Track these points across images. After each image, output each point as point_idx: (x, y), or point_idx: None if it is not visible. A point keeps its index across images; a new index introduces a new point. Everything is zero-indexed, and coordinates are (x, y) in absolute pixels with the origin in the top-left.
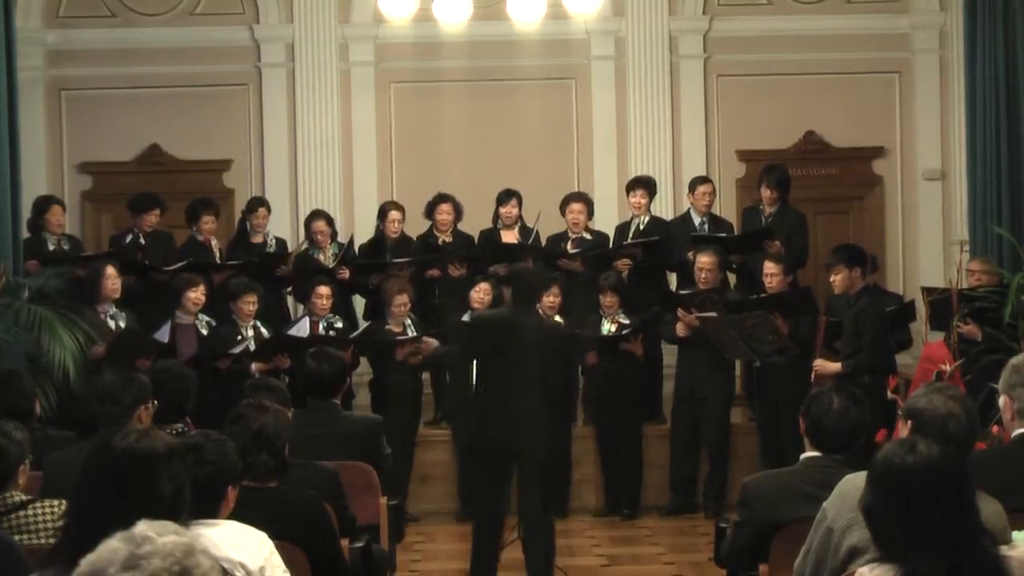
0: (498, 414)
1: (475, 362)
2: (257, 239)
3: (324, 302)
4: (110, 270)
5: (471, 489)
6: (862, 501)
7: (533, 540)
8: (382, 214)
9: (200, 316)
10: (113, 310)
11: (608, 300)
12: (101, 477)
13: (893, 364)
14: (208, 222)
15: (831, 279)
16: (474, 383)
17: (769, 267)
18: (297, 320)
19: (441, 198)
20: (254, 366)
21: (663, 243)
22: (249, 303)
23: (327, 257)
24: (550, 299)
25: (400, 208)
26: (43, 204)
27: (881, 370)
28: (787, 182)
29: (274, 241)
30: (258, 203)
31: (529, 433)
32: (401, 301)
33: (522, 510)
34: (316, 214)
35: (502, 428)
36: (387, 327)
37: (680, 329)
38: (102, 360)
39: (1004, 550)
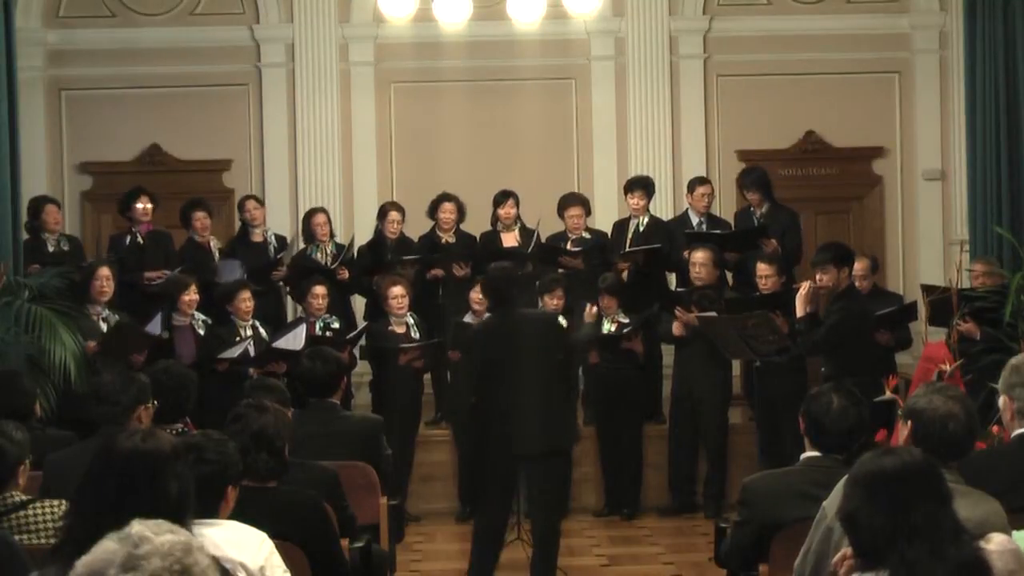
0: (507, 420)
1: (480, 371)
2: (257, 237)
3: (320, 302)
4: (103, 271)
5: (478, 491)
6: (841, 511)
7: (543, 543)
8: (382, 214)
9: (196, 316)
10: (105, 312)
11: (606, 302)
12: (107, 477)
13: (893, 364)
14: (200, 218)
15: (818, 278)
16: (477, 391)
17: (762, 268)
18: (293, 324)
19: (444, 197)
20: (250, 371)
21: (663, 250)
22: (244, 300)
23: (326, 255)
24: (554, 301)
25: (400, 209)
26: (37, 205)
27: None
28: (766, 182)
29: (274, 238)
30: (245, 199)
31: (538, 436)
32: (396, 293)
33: (532, 514)
34: (315, 210)
35: (512, 433)
36: (389, 328)
37: (676, 328)
38: (96, 355)
39: (980, 543)
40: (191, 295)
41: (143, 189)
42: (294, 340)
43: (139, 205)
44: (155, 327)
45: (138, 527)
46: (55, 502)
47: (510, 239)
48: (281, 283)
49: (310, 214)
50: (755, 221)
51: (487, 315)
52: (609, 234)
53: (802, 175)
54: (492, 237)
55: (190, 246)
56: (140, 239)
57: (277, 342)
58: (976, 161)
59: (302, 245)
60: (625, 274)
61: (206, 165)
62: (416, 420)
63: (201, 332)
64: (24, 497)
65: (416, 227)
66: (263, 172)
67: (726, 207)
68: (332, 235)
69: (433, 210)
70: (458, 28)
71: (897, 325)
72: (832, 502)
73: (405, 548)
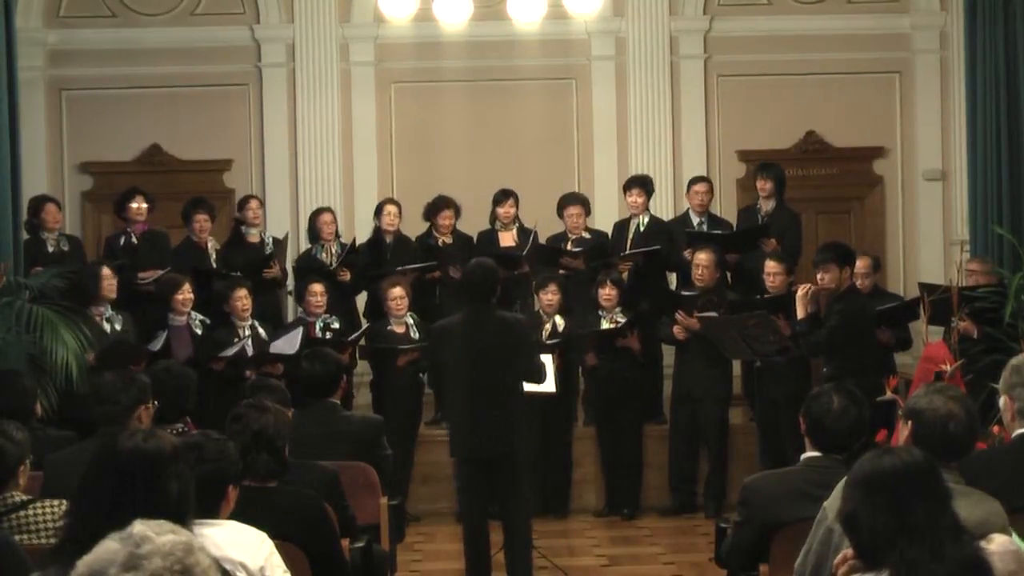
0: (470, 420)
1: (443, 371)
2: (253, 239)
3: (319, 299)
4: (106, 271)
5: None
6: (841, 512)
7: (508, 544)
8: (378, 211)
9: (193, 315)
10: (109, 312)
11: (607, 292)
12: (107, 477)
13: (893, 365)
14: (200, 220)
15: (819, 278)
16: (443, 392)
17: (771, 266)
18: (291, 326)
19: (443, 203)
20: (246, 373)
21: (663, 250)
22: (241, 298)
23: (331, 255)
24: (548, 297)
25: (396, 204)
26: (37, 204)
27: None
28: (783, 179)
29: (271, 240)
30: (247, 198)
31: (500, 437)
32: (395, 295)
33: (501, 515)
34: (321, 209)
35: (475, 435)
36: (389, 328)
37: (678, 332)
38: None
39: (982, 543)
40: (185, 294)
41: (138, 189)
42: (289, 344)
43: (133, 205)
44: (156, 344)
45: (139, 527)
46: (55, 502)
47: (507, 239)
48: (279, 287)
49: (316, 213)
50: (759, 219)
51: (456, 315)
52: (609, 234)
53: (802, 175)
54: (489, 236)
55: (186, 245)
56: (134, 239)
57: (272, 345)
58: (976, 161)
59: (307, 245)
60: (625, 275)
61: (206, 165)
62: (416, 420)
63: (199, 332)
64: (24, 497)
65: (415, 227)
66: (263, 172)
67: (727, 207)
68: (337, 235)
69: (430, 214)
70: (458, 28)
71: (898, 323)
72: (833, 502)
73: (405, 548)
